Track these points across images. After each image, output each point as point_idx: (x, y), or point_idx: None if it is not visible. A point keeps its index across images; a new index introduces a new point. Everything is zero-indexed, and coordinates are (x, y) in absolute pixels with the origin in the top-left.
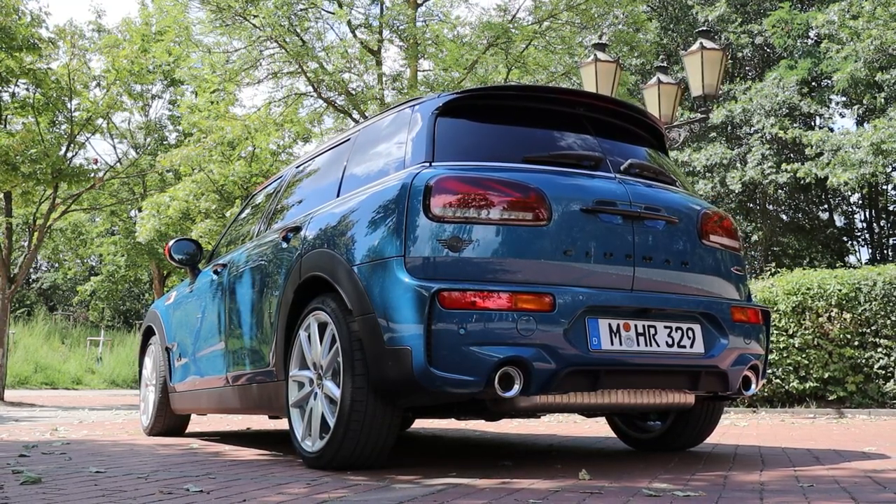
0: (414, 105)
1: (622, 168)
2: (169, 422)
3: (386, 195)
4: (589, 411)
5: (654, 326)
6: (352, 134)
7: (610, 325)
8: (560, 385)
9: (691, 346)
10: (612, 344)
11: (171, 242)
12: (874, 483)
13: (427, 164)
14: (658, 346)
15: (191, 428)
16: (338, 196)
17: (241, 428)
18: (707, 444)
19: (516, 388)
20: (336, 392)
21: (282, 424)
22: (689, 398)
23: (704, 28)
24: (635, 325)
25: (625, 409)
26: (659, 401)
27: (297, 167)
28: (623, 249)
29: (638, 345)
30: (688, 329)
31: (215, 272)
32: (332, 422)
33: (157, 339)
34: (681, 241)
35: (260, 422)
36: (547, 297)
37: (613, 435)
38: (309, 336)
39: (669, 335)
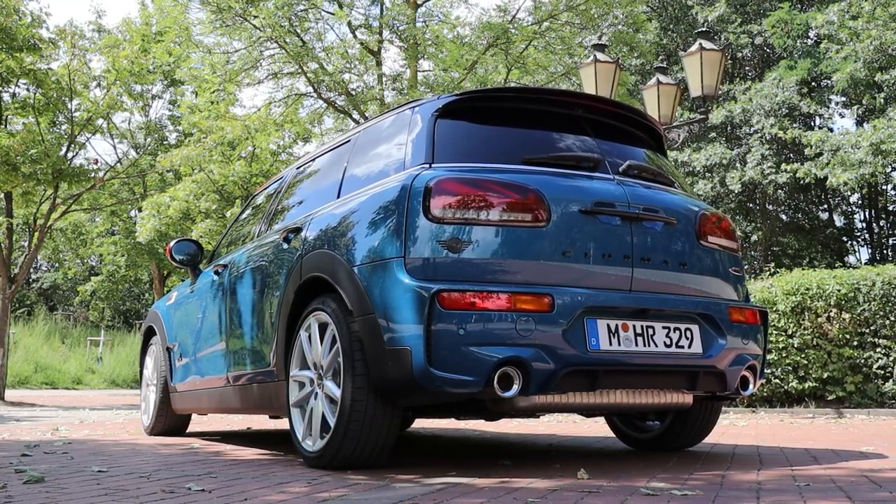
0: (414, 107)
1: (621, 169)
2: (170, 421)
3: (386, 196)
4: (588, 411)
5: (652, 327)
6: (352, 135)
7: (608, 325)
8: (559, 385)
9: (689, 346)
10: (610, 344)
11: (172, 243)
12: (870, 482)
13: (427, 166)
14: (656, 346)
15: (191, 428)
16: (338, 197)
17: (242, 428)
18: (705, 444)
19: (515, 388)
20: (336, 392)
21: (282, 424)
22: (688, 398)
23: (704, 29)
24: (633, 326)
25: (623, 408)
26: (657, 401)
27: (297, 168)
28: (621, 250)
29: (636, 345)
30: (686, 329)
31: (216, 273)
32: (332, 421)
33: (158, 339)
34: (679, 242)
35: (260, 421)
36: (546, 298)
37: (612, 435)
38: (309, 336)
39: (668, 335)
